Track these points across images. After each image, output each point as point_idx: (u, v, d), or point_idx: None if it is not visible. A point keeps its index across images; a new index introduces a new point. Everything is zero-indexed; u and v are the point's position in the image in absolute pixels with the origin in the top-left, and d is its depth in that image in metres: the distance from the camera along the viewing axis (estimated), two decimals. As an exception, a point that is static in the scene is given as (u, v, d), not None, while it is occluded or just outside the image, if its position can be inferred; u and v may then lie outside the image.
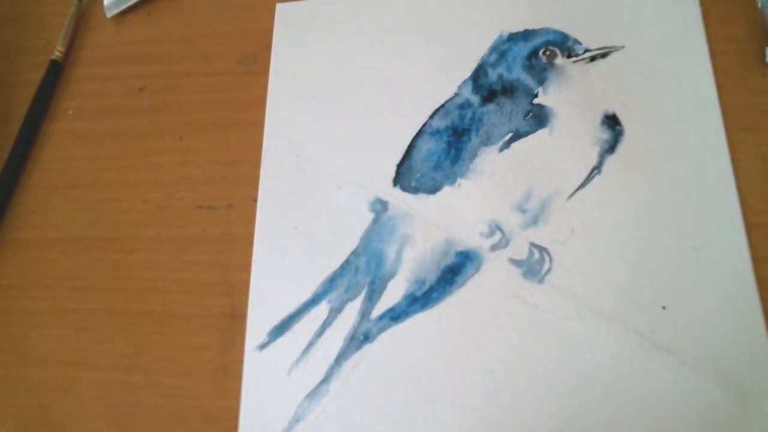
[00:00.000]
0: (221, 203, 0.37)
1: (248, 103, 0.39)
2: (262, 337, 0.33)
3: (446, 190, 0.34)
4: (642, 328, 0.30)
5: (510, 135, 0.35)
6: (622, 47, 0.35)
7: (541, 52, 0.36)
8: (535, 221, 0.32)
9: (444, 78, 0.37)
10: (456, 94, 0.36)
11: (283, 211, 0.36)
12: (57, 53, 0.43)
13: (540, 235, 0.32)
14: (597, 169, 0.33)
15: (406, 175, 0.35)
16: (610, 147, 0.33)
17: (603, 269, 0.31)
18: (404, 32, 0.39)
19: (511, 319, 0.31)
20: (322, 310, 0.33)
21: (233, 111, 0.39)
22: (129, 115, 0.41)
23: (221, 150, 0.38)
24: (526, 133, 0.34)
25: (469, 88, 0.36)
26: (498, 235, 0.33)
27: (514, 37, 0.37)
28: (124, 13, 0.44)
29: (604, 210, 0.32)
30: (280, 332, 0.33)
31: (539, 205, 0.33)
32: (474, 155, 0.35)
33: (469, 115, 0.36)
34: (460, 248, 0.33)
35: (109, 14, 0.44)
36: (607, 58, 0.35)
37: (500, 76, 0.36)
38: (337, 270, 0.34)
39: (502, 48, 0.37)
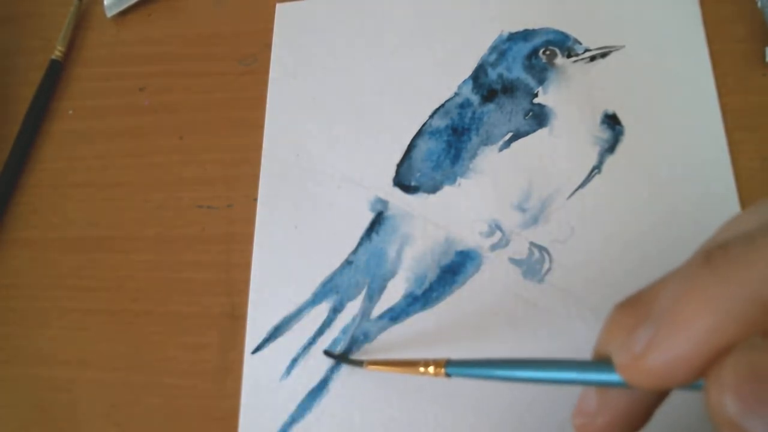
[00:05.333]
0: (221, 203, 0.37)
1: (248, 103, 0.39)
2: (262, 336, 0.33)
3: (446, 190, 0.34)
4: (642, 327, 0.30)
5: (510, 134, 0.35)
6: (622, 47, 0.35)
7: (541, 51, 0.36)
8: (535, 221, 0.32)
9: (444, 78, 0.37)
10: (456, 94, 0.36)
11: (283, 211, 0.36)
12: (57, 53, 0.43)
13: (540, 234, 0.32)
14: (597, 168, 0.33)
15: (406, 174, 0.35)
16: (610, 147, 0.33)
17: (603, 269, 0.31)
18: (404, 32, 0.39)
19: (510, 319, 0.31)
20: (322, 310, 0.33)
21: (233, 111, 0.39)
22: (129, 115, 0.41)
23: (221, 150, 0.38)
24: (526, 133, 0.34)
25: (469, 87, 0.36)
26: (498, 235, 0.33)
27: (514, 37, 0.37)
28: (124, 13, 0.44)
29: (604, 210, 0.32)
30: (280, 332, 0.33)
31: (539, 204, 0.33)
32: (474, 155, 0.35)
33: (469, 114, 0.36)
34: (460, 248, 0.33)
35: (109, 14, 0.44)
36: (607, 58, 0.35)
37: (500, 76, 0.36)
38: (337, 270, 0.34)
39: (502, 47, 0.37)
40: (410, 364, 0.27)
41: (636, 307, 0.18)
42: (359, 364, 0.30)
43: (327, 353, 0.32)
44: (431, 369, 0.26)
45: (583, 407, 0.20)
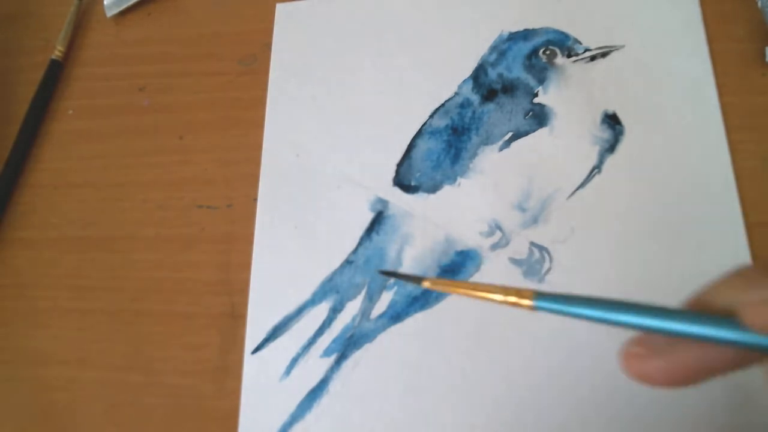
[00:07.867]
0: (221, 203, 0.37)
1: (248, 103, 0.39)
2: (262, 336, 0.33)
3: (446, 190, 0.34)
4: (642, 327, 0.30)
5: (510, 134, 0.35)
6: (622, 47, 0.35)
7: (541, 51, 0.36)
8: (535, 220, 0.32)
9: (444, 77, 0.37)
10: (456, 94, 0.36)
11: (283, 211, 0.36)
12: (57, 53, 0.43)
13: (540, 234, 0.32)
14: (597, 168, 0.33)
15: (406, 174, 0.35)
16: (610, 146, 0.33)
17: (603, 269, 0.31)
18: (404, 32, 0.39)
19: (510, 319, 0.31)
20: (322, 310, 0.33)
21: (233, 111, 0.39)
22: (129, 115, 0.41)
23: (221, 150, 0.38)
24: (526, 133, 0.34)
25: (469, 87, 0.36)
26: (498, 235, 0.33)
27: (514, 37, 0.37)
28: (124, 13, 0.44)
29: (605, 209, 0.32)
30: (280, 332, 0.33)
31: (539, 204, 0.33)
32: (474, 154, 0.35)
33: (469, 114, 0.36)
34: (460, 247, 0.33)
35: (109, 14, 0.44)
36: (607, 58, 0.35)
37: (500, 76, 0.36)
38: (337, 269, 0.34)
39: (502, 47, 0.37)
40: (481, 289, 0.22)
41: None
42: (417, 281, 0.26)
43: (382, 272, 0.32)
44: (513, 298, 0.21)
45: (648, 339, 0.19)
